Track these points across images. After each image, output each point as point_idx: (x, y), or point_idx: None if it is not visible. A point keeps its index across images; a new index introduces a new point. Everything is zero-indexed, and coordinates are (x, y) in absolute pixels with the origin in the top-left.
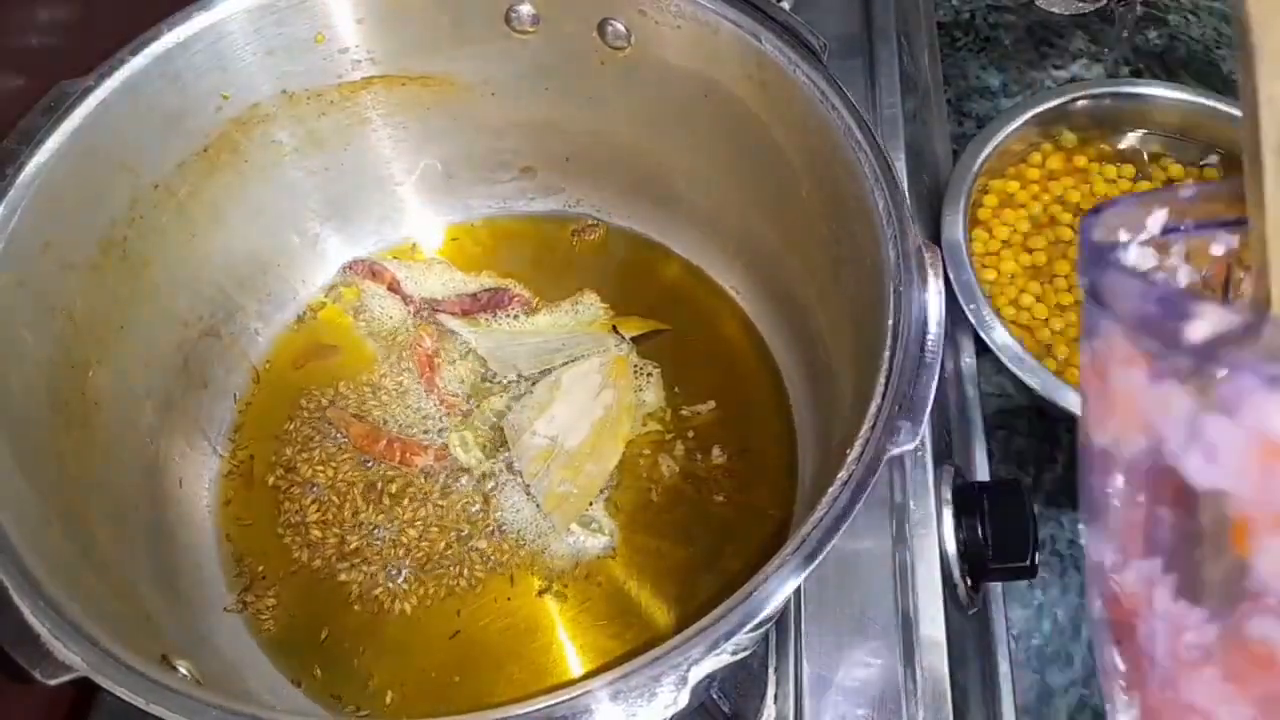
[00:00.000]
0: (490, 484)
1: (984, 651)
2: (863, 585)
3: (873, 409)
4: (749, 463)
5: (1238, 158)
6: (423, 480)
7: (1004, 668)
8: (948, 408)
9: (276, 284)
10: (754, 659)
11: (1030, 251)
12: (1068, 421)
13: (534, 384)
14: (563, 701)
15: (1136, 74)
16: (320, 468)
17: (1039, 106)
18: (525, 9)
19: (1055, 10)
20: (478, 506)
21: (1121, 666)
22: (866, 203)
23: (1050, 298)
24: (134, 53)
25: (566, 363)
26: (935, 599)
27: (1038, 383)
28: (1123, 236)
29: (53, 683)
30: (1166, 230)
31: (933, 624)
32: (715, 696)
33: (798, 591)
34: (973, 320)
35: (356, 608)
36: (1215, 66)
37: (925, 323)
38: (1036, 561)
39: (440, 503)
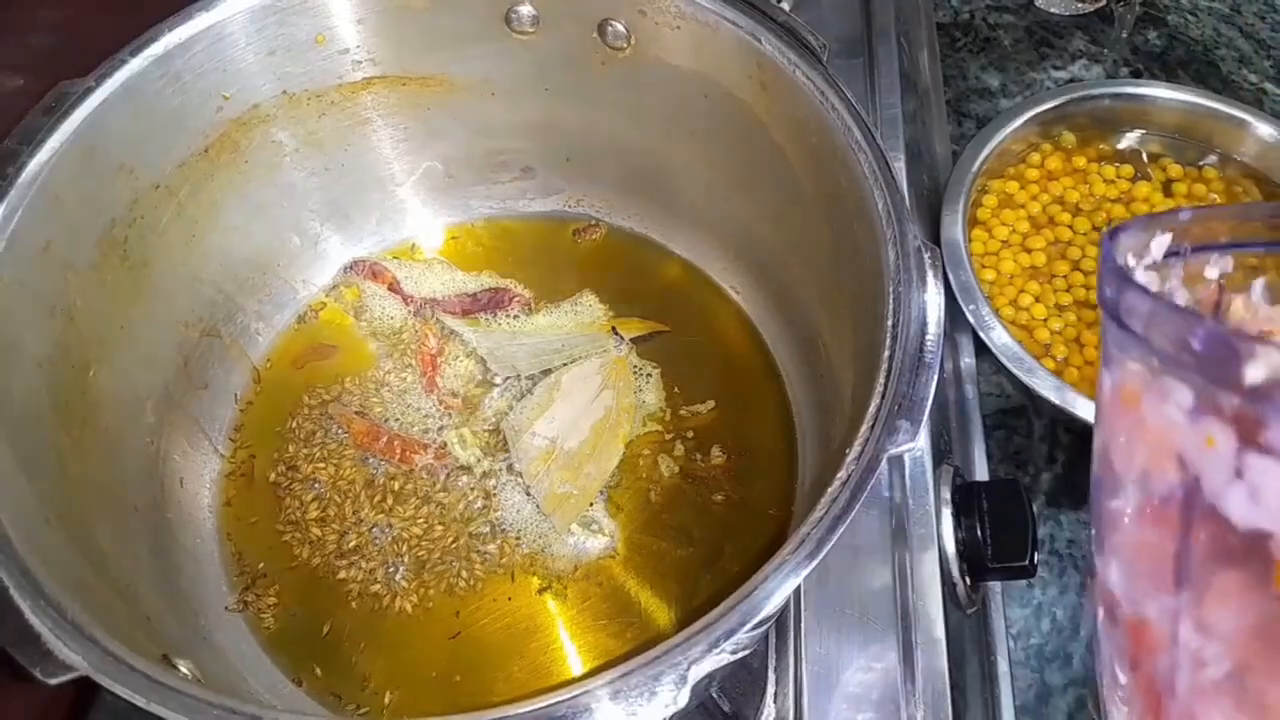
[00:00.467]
0: (491, 483)
1: (983, 651)
2: (862, 585)
3: (872, 409)
4: (749, 463)
5: (1236, 158)
6: (424, 478)
7: (1003, 667)
8: (947, 408)
9: (277, 284)
10: (754, 658)
11: (1029, 252)
12: (1067, 421)
13: (534, 385)
14: (563, 701)
15: (1136, 74)
16: (321, 465)
17: (1038, 107)
18: (525, 9)
19: (1055, 11)
20: (479, 505)
21: (1123, 680)
22: (866, 203)
23: (1049, 298)
24: (134, 53)
25: (566, 363)
26: (934, 598)
27: (1037, 383)
28: (1130, 261)
29: (53, 682)
30: (1168, 254)
31: (932, 623)
32: (715, 696)
33: (797, 591)
34: (972, 320)
35: (356, 605)
36: (1215, 66)
37: (925, 323)
38: (1035, 561)
39: (441, 501)
